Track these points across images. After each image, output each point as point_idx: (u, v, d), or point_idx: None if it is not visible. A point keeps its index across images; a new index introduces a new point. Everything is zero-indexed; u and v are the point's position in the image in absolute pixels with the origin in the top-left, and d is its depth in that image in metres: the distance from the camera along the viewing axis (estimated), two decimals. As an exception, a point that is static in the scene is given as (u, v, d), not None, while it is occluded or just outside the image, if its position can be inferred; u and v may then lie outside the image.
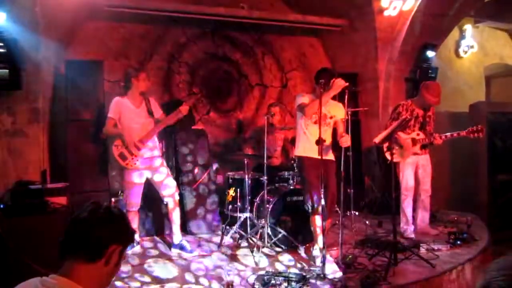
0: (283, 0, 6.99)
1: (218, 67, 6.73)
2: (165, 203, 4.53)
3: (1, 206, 3.90)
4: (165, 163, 4.62)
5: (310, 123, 4.09)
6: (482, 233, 5.11)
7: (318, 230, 3.86)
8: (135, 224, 4.51)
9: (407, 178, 4.98)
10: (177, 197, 4.55)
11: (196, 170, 5.40)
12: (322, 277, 3.63)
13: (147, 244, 4.76)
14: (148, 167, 4.44)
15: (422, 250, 4.43)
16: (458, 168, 7.12)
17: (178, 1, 5.90)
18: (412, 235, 4.90)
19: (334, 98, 4.12)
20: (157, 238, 4.99)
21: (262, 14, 6.37)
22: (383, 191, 6.16)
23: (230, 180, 5.16)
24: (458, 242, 4.70)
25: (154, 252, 4.55)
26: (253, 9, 6.33)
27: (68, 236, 1.49)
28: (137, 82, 4.40)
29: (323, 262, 3.70)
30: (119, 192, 4.94)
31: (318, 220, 3.87)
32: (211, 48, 6.65)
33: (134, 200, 4.42)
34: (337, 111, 4.18)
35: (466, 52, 8.11)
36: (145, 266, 4.10)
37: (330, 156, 4.18)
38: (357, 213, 5.54)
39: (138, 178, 4.41)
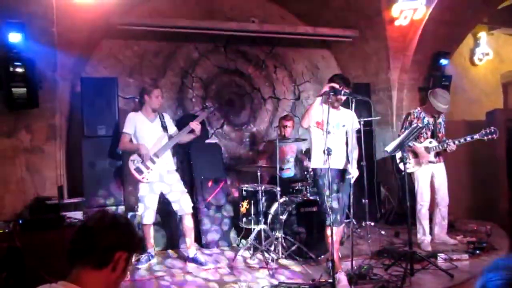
0: (294, 13, 7.06)
1: (231, 81, 6.80)
2: (179, 216, 4.56)
3: (20, 221, 3.99)
4: (179, 177, 4.66)
5: (323, 133, 4.05)
6: (502, 242, 4.98)
7: (330, 242, 3.82)
8: (150, 237, 4.56)
9: (422, 188, 4.91)
10: (191, 211, 4.57)
11: (210, 184, 5.43)
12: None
13: (162, 257, 4.79)
14: (163, 181, 4.49)
15: (440, 260, 4.34)
16: (477, 177, 6.97)
17: (190, 18, 6.02)
18: (429, 248, 4.80)
19: (346, 105, 4.10)
20: (172, 252, 5.02)
21: (273, 28, 6.45)
22: (399, 201, 6.07)
23: (244, 193, 5.16)
24: (478, 252, 4.60)
25: (169, 265, 4.56)
26: (264, 23, 6.41)
27: (76, 243, 1.52)
28: (149, 99, 4.50)
29: (335, 273, 3.66)
30: (135, 206, 4.99)
31: (329, 231, 3.84)
32: (224, 62, 6.73)
33: (149, 214, 4.46)
34: (348, 120, 4.09)
35: (481, 60, 8.03)
36: (160, 279, 4.11)
37: (346, 165, 4.14)
38: (372, 224, 5.46)
39: (153, 192, 4.47)
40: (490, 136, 4.62)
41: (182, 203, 4.51)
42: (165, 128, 4.58)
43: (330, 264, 3.94)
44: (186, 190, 4.65)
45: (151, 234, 4.57)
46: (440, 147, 4.83)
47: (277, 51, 7.08)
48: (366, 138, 4.96)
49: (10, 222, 4.07)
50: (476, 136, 4.67)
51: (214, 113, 6.48)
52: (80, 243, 1.52)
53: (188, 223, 4.53)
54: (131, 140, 4.51)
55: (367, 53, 6.73)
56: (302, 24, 6.95)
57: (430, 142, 4.88)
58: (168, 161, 4.57)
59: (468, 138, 4.71)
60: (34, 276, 3.50)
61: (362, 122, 5.15)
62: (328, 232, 3.92)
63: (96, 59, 5.90)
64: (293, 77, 7.20)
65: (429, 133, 4.90)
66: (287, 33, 6.53)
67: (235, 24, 6.24)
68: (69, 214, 4.23)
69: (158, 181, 4.47)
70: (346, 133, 4.14)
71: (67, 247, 1.53)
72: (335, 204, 3.85)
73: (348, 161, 4.09)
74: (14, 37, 4.27)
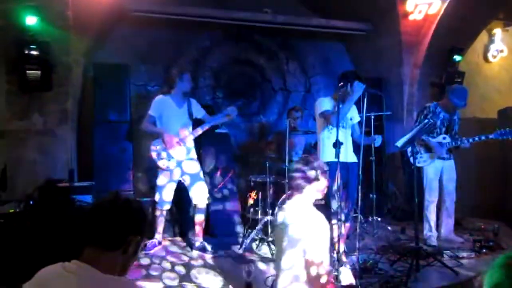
0: (307, 5, 7.02)
1: (242, 71, 6.79)
2: (193, 205, 4.56)
3: (31, 201, 4.05)
4: (199, 166, 4.62)
5: (334, 127, 4.06)
6: (509, 242, 4.95)
7: (336, 235, 3.83)
8: (161, 224, 4.57)
9: (431, 184, 4.88)
10: (206, 201, 4.57)
11: (218, 173, 5.46)
12: (338, 281, 3.60)
13: (169, 244, 4.83)
14: (183, 169, 4.48)
15: (446, 257, 4.34)
16: (486, 175, 6.93)
17: (203, 6, 6.01)
18: (435, 243, 4.79)
19: (357, 101, 4.10)
20: (180, 239, 5.06)
21: (286, 19, 6.41)
22: (407, 197, 6.06)
23: (252, 183, 5.18)
24: (484, 250, 4.58)
25: (176, 252, 4.60)
26: (277, 13, 6.38)
27: (88, 224, 1.55)
28: (181, 82, 4.48)
29: (339, 267, 3.68)
30: (153, 192, 4.99)
31: (335, 225, 3.85)
32: (235, 52, 6.73)
33: (166, 200, 4.47)
34: (354, 113, 4.21)
35: (495, 57, 7.91)
36: (167, 266, 4.16)
37: (353, 158, 4.16)
38: (379, 219, 5.46)
39: (172, 178, 4.45)
40: (505, 137, 4.55)
41: (199, 193, 4.48)
42: (191, 115, 4.54)
43: (335, 257, 3.96)
44: (204, 179, 4.60)
45: (162, 221, 4.59)
46: (454, 143, 4.79)
47: (290, 43, 7.05)
48: (376, 133, 4.95)
49: (21, 202, 4.14)
50: (492, 136, 4.60)
51: (224, 104, 6.49)
52: (92, 225, 1.55)
53: (200, 212, 4.53)
54: (155, 123, 4.47)
55: (380, 47, 6.68)
56: (315, 15, 6.91)
57: (444, 138, 4.84)
58: (190, 149, 4.53)
59: (483, 137, 4.63)
60: (43, 257, 3.57)
61: (372, 117, 5.17)
62: (334, 225, 3.94)
63: (109, 45, 5.92)
64: (304, 70, 7.17)
65: (443, 129, 4.87)
66: (301, 24, 6.49)
67: (248, 14, 6.21)
68: (79, 197, 4.29)
69: (178, 169, 4.44)
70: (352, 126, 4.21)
71: (80, 228, 1.57)
72: (342, 198, 3.86)
73: (354, 154, 4.14)
74: (30, 20, 4.30)
